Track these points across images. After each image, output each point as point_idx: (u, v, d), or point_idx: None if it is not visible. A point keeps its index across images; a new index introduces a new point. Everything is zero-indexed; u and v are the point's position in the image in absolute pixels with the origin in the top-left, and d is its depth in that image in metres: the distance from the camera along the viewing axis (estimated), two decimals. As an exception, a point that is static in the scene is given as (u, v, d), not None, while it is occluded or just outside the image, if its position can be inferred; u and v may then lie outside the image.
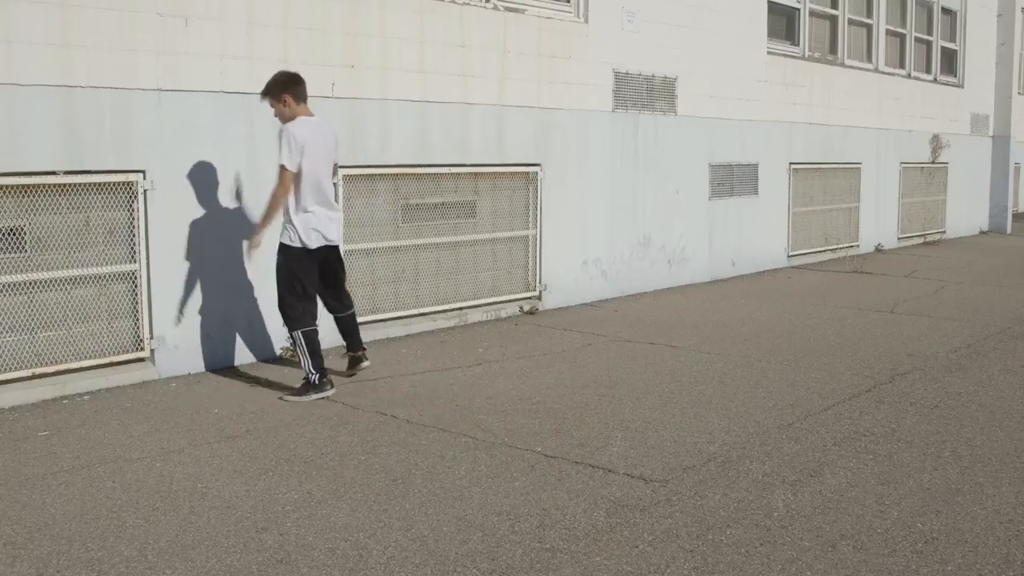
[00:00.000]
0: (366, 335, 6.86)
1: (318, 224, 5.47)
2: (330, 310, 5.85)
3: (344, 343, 6.02)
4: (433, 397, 5.56)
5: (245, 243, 5.98)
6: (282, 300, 5.54)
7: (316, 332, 5.54)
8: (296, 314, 5.49)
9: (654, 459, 4.45)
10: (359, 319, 6.32)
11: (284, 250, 5.50)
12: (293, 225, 5.43)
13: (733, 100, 10.56)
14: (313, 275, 5.57)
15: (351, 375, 6.01)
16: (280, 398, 5.54)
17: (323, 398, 5.49)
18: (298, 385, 5.63)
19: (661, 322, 7.99)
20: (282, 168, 5.36)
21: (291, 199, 5.42)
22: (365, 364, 6.01)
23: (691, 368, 6.32)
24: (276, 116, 5.50)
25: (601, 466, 4.35)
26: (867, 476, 4.23)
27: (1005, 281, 10.52)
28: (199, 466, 4.36)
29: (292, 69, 5.62)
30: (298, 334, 5.48)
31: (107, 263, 5.75)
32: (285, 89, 5.43)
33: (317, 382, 5.49)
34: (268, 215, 5.49)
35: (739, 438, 4.79)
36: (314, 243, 5.47)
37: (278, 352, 6.57)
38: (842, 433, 4.88)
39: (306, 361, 5.49)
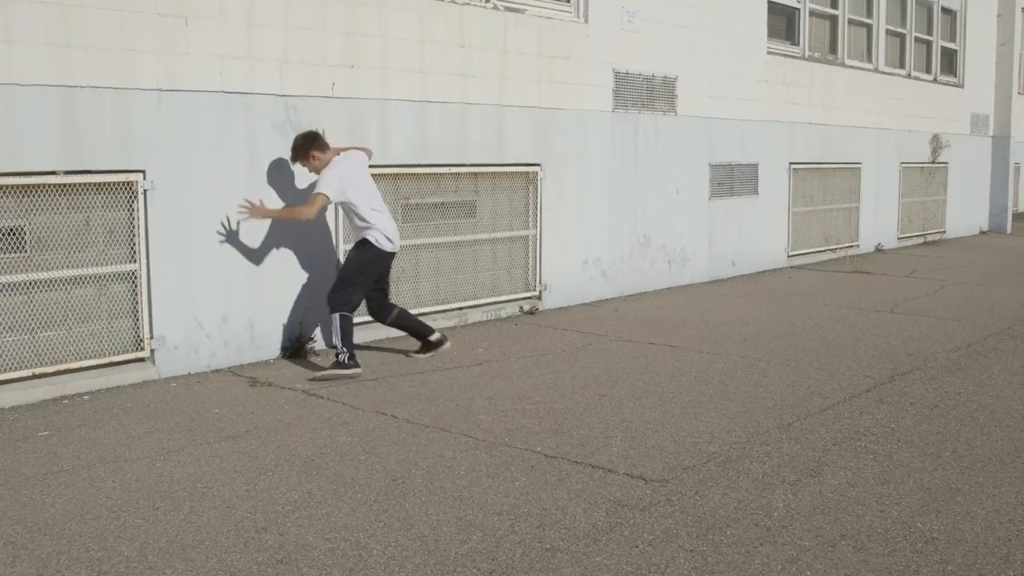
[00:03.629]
0: (365, 335, 6.88)
1: (392, 231, 6.17)
2: (377, 309, 6.39)
3: (416, 338, 6.61)
4: (433, 397, 5.56)
5: (246, 204, 6.10)
6: (339, 284, 6.08)
7: (352, 320, 6.04)
8: (344, 298, 6.00)
9: (654, 459, 4.45)
10: (358, 319, 6.33)
11: (366, 246, 6.12)
12: (376, 230, 6.07)
13: (733, 100, 10.55)
14: (375, 274, 6.23)
15: (430, 354, 6.58)
16: (310, 379, 5.93)
17: (350, 377, 5.92)
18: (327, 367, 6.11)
19: (661, 322, 7.99)
20: (320, 195, 5.91)
21: (356, 221, 6.08)
22: (446, 346, 6.63)
23: (691, 368, 6.33)
24: (312, 172, 6.19)
25: (601, 466, 4.35)
26: (867, 476, 4.24)
27: (1005, 281, 10.52)
28: (199, 466, 4.36)
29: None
30: (337, 316, 5.97)
31: (107, 263, 5.75)
32: (309, 148, 6.06)
33: (346, 360, 5.93)
34: (281, 214, 6.24)
35: (739, 438, 4.79)
36: (391, 247, 6.17)
37: (278, 352, 6.56)
38: (842, 433, 4.88)
39: (338, 339, 5.95)
